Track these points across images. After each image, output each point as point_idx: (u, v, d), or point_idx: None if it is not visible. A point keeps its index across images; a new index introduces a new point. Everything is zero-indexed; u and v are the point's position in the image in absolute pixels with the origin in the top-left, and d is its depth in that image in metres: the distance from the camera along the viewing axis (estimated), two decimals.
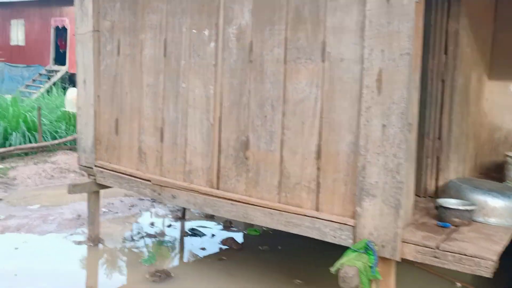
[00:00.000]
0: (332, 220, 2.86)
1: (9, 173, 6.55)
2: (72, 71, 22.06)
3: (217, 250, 4.44)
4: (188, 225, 5.13)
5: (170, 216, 5.39)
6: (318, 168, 2.94)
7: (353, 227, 2.77)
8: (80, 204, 5.53)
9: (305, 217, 2.95)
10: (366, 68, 2.68)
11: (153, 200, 5.86)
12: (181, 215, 5.32)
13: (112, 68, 4.05)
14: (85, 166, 4.30)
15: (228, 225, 5.15)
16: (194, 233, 4.82)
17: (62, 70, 21.81)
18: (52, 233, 4.57)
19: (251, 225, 4.79)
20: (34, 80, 21.49)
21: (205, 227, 5.02)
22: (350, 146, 2.82)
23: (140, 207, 5.66)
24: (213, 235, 4.80)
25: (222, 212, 3.38)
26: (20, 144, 7.50)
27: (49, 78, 21.81)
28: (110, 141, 4.13)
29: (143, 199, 5.89)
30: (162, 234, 4.78)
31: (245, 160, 3.27)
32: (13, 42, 23.35)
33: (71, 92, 8.69)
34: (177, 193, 3.62)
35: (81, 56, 4.24)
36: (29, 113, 8.03)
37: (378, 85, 2.64)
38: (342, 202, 2.88)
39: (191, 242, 4.62)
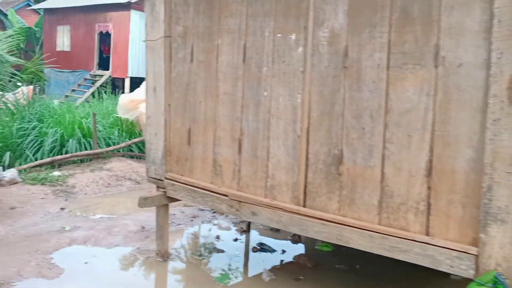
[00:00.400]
0: (448, 247, 2.51)
1: (68, 180, 6.51)
2: (115, 76, 22.50)
3: (290, 267, 4.16)
4: (254, 238, 4.88)
5: (234, 228, 5.15)
6: (429, 187, 2.61)
7: (476, 256, 2.43)
8: (141, 215, 5.39)
9: (414, 242, 2.62)
10: (494, 74, 2.33)
11: (214, 211, 5.66)
12: (246, 228, 5.07)
13: (184, 76, 3.85)
14: (154, 178, 4.11)
15: (296, 239, 4.86)
16: (263, 248, 4.56)
17: (106, 74, 22.23)
18: (118, 246, 4.41)
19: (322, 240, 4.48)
20: (79, 85, 21.98)
21: (274, 238, 4.76)
22: (470, 163, 2.47)
23: (201, 218, 5.46)
24: (283, 251, 4.52)
25: (311, 233, 3.09)
26: (76, 151, 7.49)
27: (93, 83, 22.27)
28: (182, 152, 3.93)
29: (203, 210, 5.70)
30: (230, 248, 4.54)
31: (338, 176, 2.98)
32: (59, 48, 23.98)
33: (123, 98, 8.65)
34: (258, 210, 3.36)
35: (151, 63, 4.06)
36: (84, 119, 8.02)
37: (510, 94, 2.29)
38: (459, 226, 2.53)
39: (261, 258, 4.36)
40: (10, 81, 8.57)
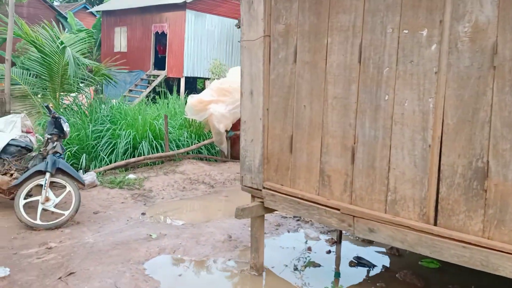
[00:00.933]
0: None
1: (145, 184, 6.45)
2: (170, 75, 22.79)
3: (397, 287, 3.79)
4: (347, 250, 4.54)
5: (324, 238, 4.83)
6: None
7: None
8: (223, 222, 5.20)
9: None
10: None
11: (298, 219, 5.37)
12: (337, 239, 4.74)
13: (286, 78, 3.57)
14: (250, 187, 3.87)
15: (394, 252, 4.48)
16: (361, 262, 4.21)
17: (162, 74, 22.56)
18: (208, 257, 4.21)
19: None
20: (136, 85, 22.44)
21: (367, 249, 4.40)
22: None
23: (286, 226, 5.18)
24: (385, 267, 4.15)
25: (447, 256, 2.71)
26: (148, 153, 7.45)
27: (149, 83, 22.68)
28: (282, 161, 3.65)
29: (286, 217, 5.43)
30: (326, 262, 4.23)
31: (481, 192, 2.58)
32: (116, 49, 24.60)
33: (192, 98, 8.54)
34: (376, 227, 3.02)
35: (247, 64, 3.81)
36: (156, 121, 7.98)
37: None
38: None
39: (361, 275, 4.01)
40: (82, 82, 8.69)
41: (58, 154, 5.14)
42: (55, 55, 7.74)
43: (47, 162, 4.96)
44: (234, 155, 8.52)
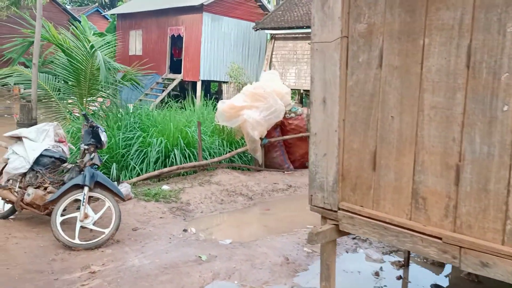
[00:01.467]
0: None
1: (181, 196, 6.04)
2: (186, 79, 22.45)
3: None
4: (418, 274, 4.08)
5: (389, 261, 4.38)
6: None
7: None
8: (275, 240, 4.77)
9: None
10: None
11: (354, 237, 4.92)
12: (405, 262, 4.28)
13: (368, 85, 3.13)
14: (322, 208, 3.43)
15: (472, 279, 4.01)
16: None
17: (178, 78, 22.24)
18: (269, 283, 3.78)
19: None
20: (151, 89, 22.15)
21: (437, 273, 3.94)
22: None
23: (343, 246, 4.73)
24: None
25: None
26: (180, 162, 7.05)
27: (164, 87, 22.37)
28: (362, 179, 3.21)
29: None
30: None
31: None
32: (131, 52, 24.36)
33: (223, 104, 8.14)
34: (492, 261, 2.57)
35: (319, 69, 3.38)
36: (188, 128, 7.57)
37: None
38: None
39: None
40: (110, 88, 8.33)
41: (95, 166, 4.75)
42: (83, 59, 7.38)
43: (85, 175, 4.57)
44: (268, 164, 8.11)
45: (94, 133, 4.80)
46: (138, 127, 7.47)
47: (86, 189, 4.52)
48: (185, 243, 4.64)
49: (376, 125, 3.10)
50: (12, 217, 5.11)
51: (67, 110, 7.87)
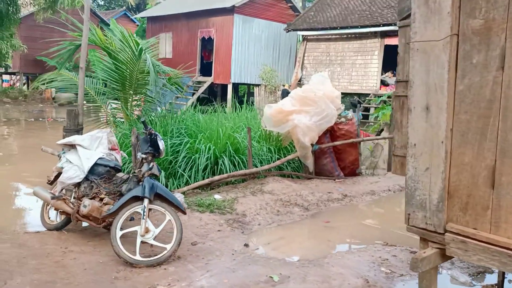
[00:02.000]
0: None
1: (236, 207, 5.72)
2: (217, 82, 22.26)
3: None
4: None
5: (480, 285, 3.94)
6: None
7: None
8: (345, 258, 4.40)
9: None
10: None
11: None
12: (499, 285, 3.83)
13: (485, 89, 2.73)
14: (423, 229, 3.04)
15: None
16: None
17: (208, 81, 22.07)
18: None
19: None
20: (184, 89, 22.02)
21: None
22: None
23: None
24: None
25: None
26: (230, 169, 6.73)
27: (195, 89, 22.24)
28: (476, 197, 2.80)
29: (416, 252, 4.54)
30: None
31: None
32: (161, 55, 24.28)
33: (270, 108, 7.80)
34: None
35: (422, 72, 2.99)
36: (237, 133, 7.26)
37: None
38: None
39: None
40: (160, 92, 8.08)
41: (154, 177, 4.47)
42: (129, 62, 7.16)
43: (144, 187, 4.29)
44: (317, 171, 7.73)
45: (152, 141, 4.52)
46: (185, 133, 7.20)
47: (146, 201, 4.23)
48: (250, 260, 4.30)
49: (495, 136, 2.69)
50: (65, 228, 4.89)
51: (112, 115, 7.68)
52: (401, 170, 4.69)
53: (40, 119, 18.13)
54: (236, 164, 6.93)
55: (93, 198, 4.65)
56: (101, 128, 7.65)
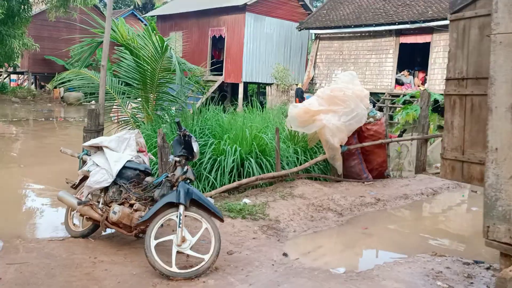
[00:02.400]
0: None
1: (268, 212, 5.42)
2: (228, 81, 21.96)
3: None
4: None
5: None
6: None
7: None
8: (395, 270, 4.08)
9: None
10: None
11: (488, 267, 4.17)
12: None
13: None
14: (507, 244, 2.72)
15: None
16: None
17: (219, 80, 21.77)
18: None
19: None
20: (192, 91, 21.72)
21: None
22: None
23: (479, 278, 3.98)
24: None
25: None
26: (256, 171, 6.43)
27: (206, 89, 21.94)
28: None
29: (468, 263, 4.24)
30: None
31: None
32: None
33: (295, 108, 7.48)
34: None
35: (505, 68, 2.69)
36: (263, 134, 6.95)
37: None
38: None
39: None
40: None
41: (188, 181, 4.17)
42: (152, 60, 6.87)
43: (179, 192, 3.99)
44: (345, 173, 7.41)
45: (186, 143, 4.23)
46: (209, 133, 6.90)
47: (181, 208, 3.93)
48: (292, 271, 4.00)
49: None
50: (91, 235, 4.61)
51: (132, 115, 7.39)
52: (452, 175, 4.37)
53: (50, 119, 17.91)
54: (263, 166, 6.63)
55: (122, 203, 4.36)
56: (123, 129, 7.39)
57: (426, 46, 18.16)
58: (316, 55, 20.97)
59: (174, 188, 4.13)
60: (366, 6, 20.16)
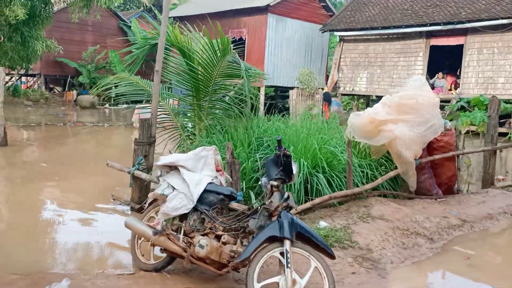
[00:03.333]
0: None
1: (355, 239, 4.75)
2: None
3: None
4: None
5: None
6: None
7: None
8: None
9: None
10: None
11: None
12: None
13: None
14: None
15: None
16: None
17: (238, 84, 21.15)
18: None
19: None
20: None
21: None
22: None
23: None
24: None
25: None
26: (326, 188, 5.77)
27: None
28: None
29: None
30: None
31: None
32: None
33: (357, 116, 6.81)
34: None
35: None
36: (331, 147, 6.28)
37: None
38: None
39: None
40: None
41: (289, 209, 3.53)
42: (208, 64, 6.21)
43: (282, 224, 3.35)
44: (416, 190, 6.72)
45: (285, 164, 3.58)
46: (267, 145, 6.25)
47: (287, 243, 3.28)
48: None
49: None
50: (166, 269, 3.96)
51: (183, 125, 6.75)
52: None
53: (69, 124, 17.29)
54: (332, 182, 5.97)
55: (205, 234, 3.72)
56: (173, 140, 6.74)
57: (454, 49, 17.52)
58: (340, 58, 20.33)
59: (273, 218, 3.50)
60: (392, 7, 19.51)
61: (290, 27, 21.28)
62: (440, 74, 18.00)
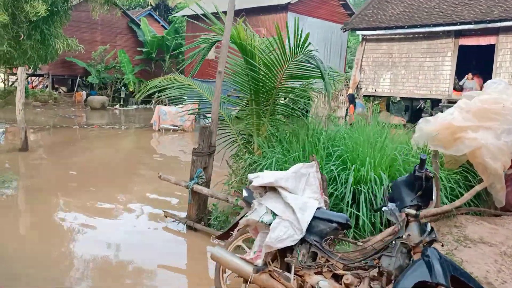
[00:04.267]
0: None
1: (466, 268, 4.05)
2: None
3: None
4: None
5: None
6: None
7: None
8: None
9: None
10: None
11: None
12: None
13: None
14: None
15: None
16: None
17: None
18: None
19: None
20: (228, 96, 20.43)
21: None
22: None
23: None
24: None
25: None
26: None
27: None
28: None
29: None
30: None
31: None
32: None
33: (428, 123, 6.12)
34: None
35: None
36: (402, 155, 5.58)
37: None
38: None
39: None
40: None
41: (431, 244, 2.83)
42: (274, 65, 5.50)
43: (433, 265, 2.65)
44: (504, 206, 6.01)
45: (425, 188, 2.88)
46: (338, 156, 5.54)
47: None
48: None
49: None
50: None
51: (237, 133, 6.05)
52: None
53: (84, 126, 16.56)
54: None
55: (318, 272, 3.02)
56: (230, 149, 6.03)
57: (483, 49, 16.83)
58: (362, 57, 19.62)
59: (415, 257, 2.80)
60: (418, 6, 18.80)
61: (309, 26, 20.54)
62: (470, 75, 17.29)
